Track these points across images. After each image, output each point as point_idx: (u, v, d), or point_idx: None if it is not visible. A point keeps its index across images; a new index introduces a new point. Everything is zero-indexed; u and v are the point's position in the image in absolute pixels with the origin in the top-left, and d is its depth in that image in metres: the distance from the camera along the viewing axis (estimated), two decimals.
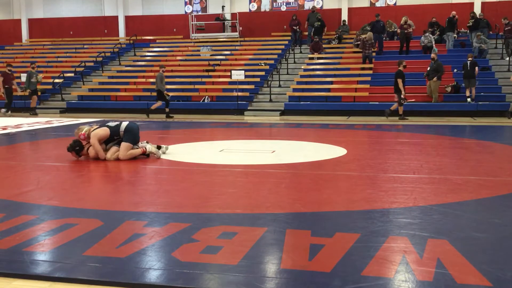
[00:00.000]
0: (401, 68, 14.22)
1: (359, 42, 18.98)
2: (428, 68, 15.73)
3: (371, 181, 5.76)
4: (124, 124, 7.26)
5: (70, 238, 3.70)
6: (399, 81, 14.02)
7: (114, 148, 7.19)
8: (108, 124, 7.27)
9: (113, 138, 7.20)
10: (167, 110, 15.58)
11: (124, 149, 7.08)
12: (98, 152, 7.06)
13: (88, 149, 7.17)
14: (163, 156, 7.43)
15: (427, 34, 18.69)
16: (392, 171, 6.32)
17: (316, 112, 15.99)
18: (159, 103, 15.66)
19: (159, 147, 7.55)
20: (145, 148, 7.24)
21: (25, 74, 18.54)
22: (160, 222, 4.10)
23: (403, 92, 14.02)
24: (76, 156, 7.19)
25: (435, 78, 15.43)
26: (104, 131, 7.10)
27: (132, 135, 7.20)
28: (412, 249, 3.41)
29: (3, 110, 16.44)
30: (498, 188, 5.36)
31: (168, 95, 15.78)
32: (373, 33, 19.16)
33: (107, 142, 7.26)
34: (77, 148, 7.15)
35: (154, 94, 16.05)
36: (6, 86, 16.60)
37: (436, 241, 3.56)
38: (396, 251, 3.39)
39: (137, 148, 7.28)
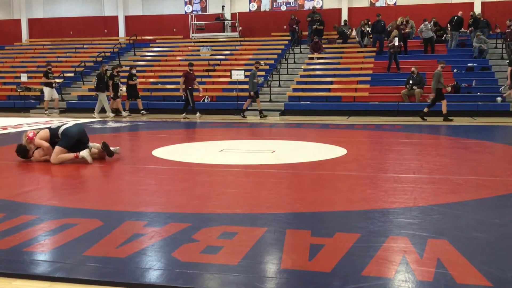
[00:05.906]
0: None
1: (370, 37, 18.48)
2: (411, 82, 15.80)
3: (371, 181, 5.76)
4: (64, 127, 7.06)
5: (70, 238, 3.70)
6: None
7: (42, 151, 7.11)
8: (50, 126, 7.20)
9: (54, 140, 7.00)
10: (425, 110, 13.94)
11: (54, 153, 6.90)
12: (46, 150, 6.95)
13: (33, 152, 7.08)
14: (163, 156, 7.43)
15: (426, 22, 18.62)
16: (392, 171, 6.32)
17: (316, 112, 15.97)
18: (432, 104, 14.08)
19: (106, 148, 7.13)
20: (78, 153, 6.93)
21: (25, 74, 18.54)
22: (160, 222, 4.10)
23: None
24: (24, 158, 7.15)
25: (418, 89, 15.76)
26: (44, 133, 7.04)
27: (67, 139, 6.95)
28: (412, 249, 3.41)
29: (183, 115, 15.12)
30: (498, 188, 5.36)
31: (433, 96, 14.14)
32: (374, 33, 19.15)
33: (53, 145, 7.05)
34: (21, 153, 7.12)
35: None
36: (189, 87, 15.07)
37: (436, 241, 3.56)
38: (396, 251, 3.39)
39: (71, 153, 7.01)
